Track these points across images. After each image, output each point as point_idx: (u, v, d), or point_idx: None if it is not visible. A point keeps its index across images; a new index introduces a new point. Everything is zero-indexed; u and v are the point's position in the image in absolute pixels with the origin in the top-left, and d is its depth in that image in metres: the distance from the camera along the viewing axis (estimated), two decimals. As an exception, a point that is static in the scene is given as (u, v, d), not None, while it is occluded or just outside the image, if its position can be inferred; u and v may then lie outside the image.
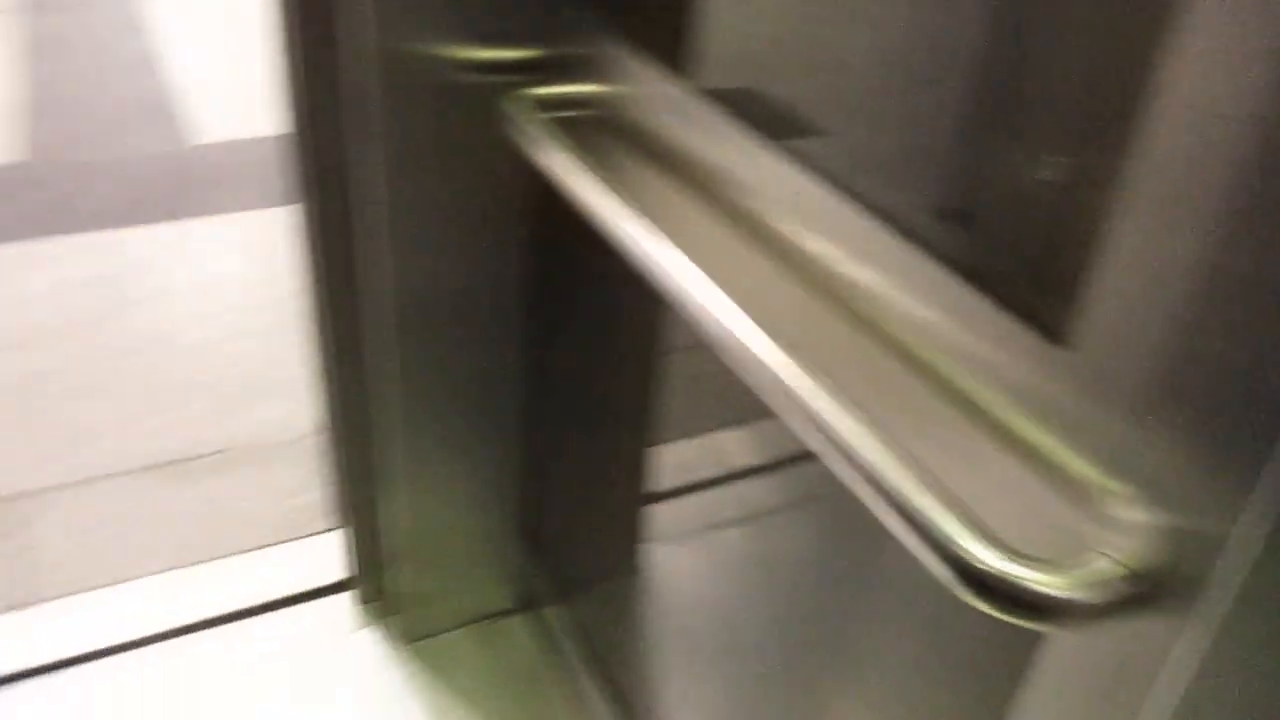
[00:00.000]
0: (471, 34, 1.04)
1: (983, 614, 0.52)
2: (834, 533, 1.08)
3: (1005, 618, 0.51)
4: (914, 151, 0.81)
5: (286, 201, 1.19)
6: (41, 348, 2.19)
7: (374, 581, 1.57)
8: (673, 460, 1.45)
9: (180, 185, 2.86)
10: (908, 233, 0.67)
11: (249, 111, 3.23)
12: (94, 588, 1.63)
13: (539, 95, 1.02)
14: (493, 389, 1.34)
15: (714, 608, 1.40)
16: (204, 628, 1.57)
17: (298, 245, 1.26)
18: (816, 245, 0.75)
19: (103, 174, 2.90)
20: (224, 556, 1.70)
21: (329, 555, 1.63)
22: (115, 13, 3.89)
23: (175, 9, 3.94)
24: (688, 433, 1.43)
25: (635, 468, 1.49)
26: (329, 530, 1.53)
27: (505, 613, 1.59)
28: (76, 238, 2.60)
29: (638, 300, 1.32)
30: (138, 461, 1.91)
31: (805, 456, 0.97)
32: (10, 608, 1.60)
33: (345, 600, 1.61)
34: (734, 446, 1.44)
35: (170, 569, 1.67)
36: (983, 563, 0.49)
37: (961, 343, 0.63)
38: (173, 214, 2.73)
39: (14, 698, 1.46)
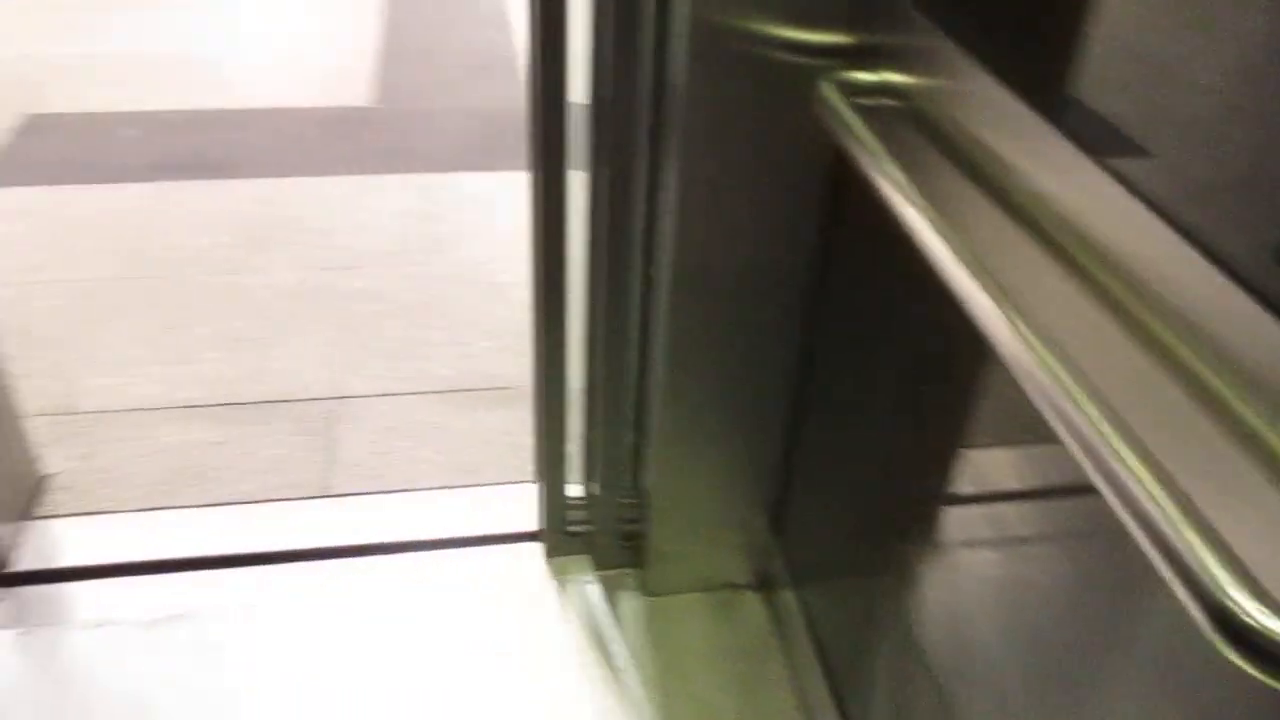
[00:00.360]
0: (787, 13, 1.06)
1: (1246, 677, 0.49)
2: (1092, 573, 1.02)
3: (1267, 680, 0.47)
4: (1250, 183, 0.75)
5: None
6: (368, 271, 2.43)
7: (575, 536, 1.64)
8: (936, 469, 1.41)
9: (510, 138, 3.06)
10: (1226, 266, 0.63)
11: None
12: (373, 491, 1.82)
13: (850, 80, 1.02)
14: (762, 366, 1.36)
15: (950, 626, 1.36)
16: (431, 548, 1.70)
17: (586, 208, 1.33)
18: (1126, 272, 0.72)
19: (441, 121, 3.16)
20: (478, 485, 1.85)
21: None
22: (474, -30, 4.20)
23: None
24: (957, 444, 1.39)
25: (895, 470, 1.46)
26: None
27: (739, 586, 1.62)
28: (410, 176, 2.86)
29: (926, 304, 1.30)
30: (431, 384, 2.08)
31: (1076, 489, 0.92)
32: (311, 495, 1.80)
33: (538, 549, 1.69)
34: (1002, 466, 1.38)
35: (433, 488, 1.83)
36: (1249, 614, 0.46)
37: (1272, 387, 0.58)
38: (500, 164, 2.93)
39: (288, 572, 1.64)
